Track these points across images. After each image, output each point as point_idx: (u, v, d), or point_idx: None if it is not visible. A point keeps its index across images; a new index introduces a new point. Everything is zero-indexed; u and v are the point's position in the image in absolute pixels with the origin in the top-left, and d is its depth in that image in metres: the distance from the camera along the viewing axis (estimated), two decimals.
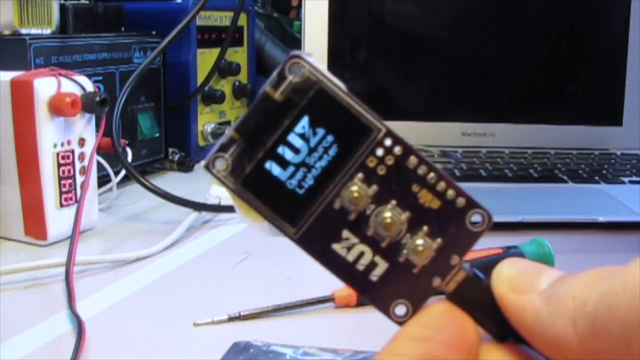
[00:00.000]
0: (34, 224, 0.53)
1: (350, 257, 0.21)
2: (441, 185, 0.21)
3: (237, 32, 0.83)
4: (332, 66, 0.78)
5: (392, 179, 0.21)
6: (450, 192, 0.21)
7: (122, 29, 0.72)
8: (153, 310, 0.43)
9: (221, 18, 0.81)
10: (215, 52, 0.79)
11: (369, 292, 0.21)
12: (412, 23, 0.81)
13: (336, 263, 0.21)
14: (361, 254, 0.21)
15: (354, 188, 0.20)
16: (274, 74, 0.20)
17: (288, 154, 0.20)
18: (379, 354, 0.21)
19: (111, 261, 0.50)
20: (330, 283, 0.43)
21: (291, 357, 0.35)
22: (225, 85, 0.83)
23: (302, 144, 0.20)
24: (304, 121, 0.20)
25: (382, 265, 0.21)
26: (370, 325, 0.41)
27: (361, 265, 0.21)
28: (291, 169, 0.20)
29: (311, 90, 0.20)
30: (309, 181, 0.20)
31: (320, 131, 0.20)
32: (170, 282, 0.47)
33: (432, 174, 0.21)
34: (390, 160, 0.20)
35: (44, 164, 0.51)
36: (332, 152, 0.20)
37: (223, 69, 0.81)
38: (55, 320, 0.41)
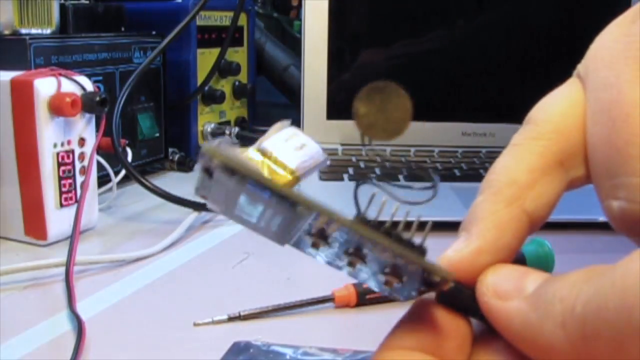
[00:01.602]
0: (34, 224, 0.53)
1: (338, 264, 0.22)
2: (389, 254, 0.20)
3: (237, 32, 0.83)
4: (332, 66, 0.78)
5: (343, 237, 0.20)
6: (400, 260, 0.20)
7: (122, 29, 0.72)
8: (153, 310, 0.43)
9: (221, 18, 0.81)
10: (215, 52, 0.79)
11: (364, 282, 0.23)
12: (412, 23, 0.81)
13: (329, 264, 0.22)
14: (344, 265, 0.22)
15: (311, 241, 0.21)
16: (201, 162, 0.20)
17: (247, 210, 0.21)
18: (377, 350, 0.21)
19: (111, 261, 0.50)
20: (330, 283, 0.43)
21: (291, 357, 0.35)
22: (225, 85, 0.83)
23: (253, 209, 0.21)
24: (243, 197, 0.20)
25: (365, 271, 0.22)
26: (370, 325, 0.41)
27: (349, 269, 0.22)
28: (255, 218, 0.21)
29: (232, 178, 0.19)
30: (274, 228, 0.21)
31: (260, 206, 0.20)
32: (170, 282, 0.47)
33: (378, 246, 0.20)
34: (333, 228, 0.20)
35: (44, 164, 0.51)
36: (280, 218, 0.20)
37: (223, 68, 0.81)
38: (55, 320, 0.41)
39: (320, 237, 0.21)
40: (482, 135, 0.80)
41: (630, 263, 0.17)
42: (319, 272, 0.50)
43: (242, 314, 0.41)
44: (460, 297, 0.21)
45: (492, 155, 0.76)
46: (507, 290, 0.20)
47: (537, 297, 0.19)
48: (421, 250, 0.20)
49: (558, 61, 0.80)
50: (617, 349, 0.17)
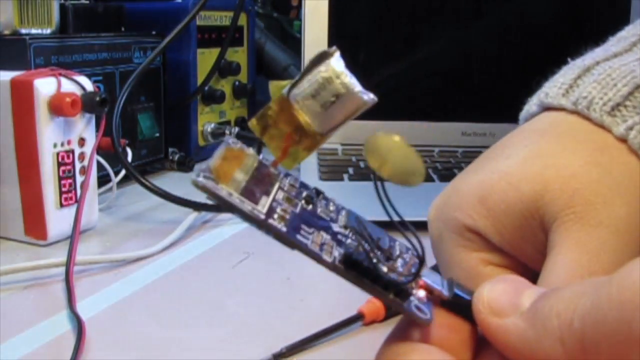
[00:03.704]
0: (34, 224, 0.53)
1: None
2: None
3: (237, 32, 0.83)
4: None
5: None
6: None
7: (122, 29, 0.72)
8: (153, 310, 0.43)
9: (221, 18, 0.81)
10: (215, 52, 0.79)
11: None
12: (412, 23, 0.81)
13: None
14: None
15: None
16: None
17: None
18: (384, 343, 0.22)
19: (111, 261, 0.50)
20: (330, 283, 0.43)
21: None
22: (225, 85, 0.83)
23: None
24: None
25: None
26: None
27: None
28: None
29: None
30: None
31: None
32: (170, 282, 0.47)
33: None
34: None
35: (44, 164, 0.51)
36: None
37: (223, 68, 0.81)
38: (55, 320, 0.41)
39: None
40: (482, 135, 0.80)
41: (627, 274, 0.17)
42: (319, 272, 0.50)
43: (284, 350, 0.37)
44: (459, 307, 0.22)
45: None
46: (503, 307, 0.20)
47: (533, 313, 0.19)
48: (404, 294, 0.21)
49: (558, 61, 0.80)
50: None
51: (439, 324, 0.21)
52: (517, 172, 0.28)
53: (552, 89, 0.32)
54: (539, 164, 0.28)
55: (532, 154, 0.28)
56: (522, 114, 0.34)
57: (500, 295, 0.20)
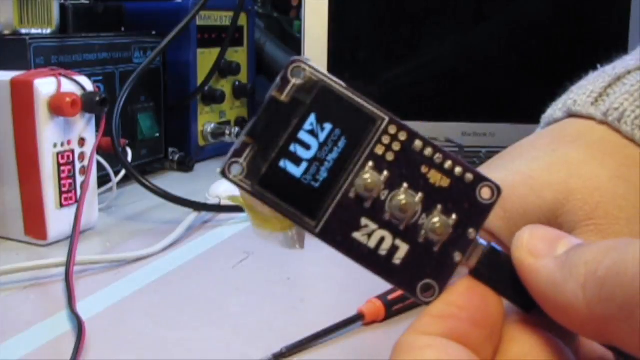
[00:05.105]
0: (34, 224, 0.53)
1: (372, 244, 0.22)
2: (448, 164, 0.21)
3: (237, 32, 0.83)
4: (332, 66, 0.78)
5: (401, 163, 0.21)
6: (458, 170, 0.21)
7: (122, 29, 0.72)
8: (153, 310, 0.43)
9: (221, 18, 0.81)
10: (215, 52, 0.79)
11: (394, 276, 0.22)
12: (412, 23, 0.81)
13: (359, 252, 0.22)
14: (382, 239, 0.21)
15: (366, 176, 0.21)
16: (278, 78, 0.21)
17: (300, 151, 0.21)
18: (404, 333, 0.21)
19: (111, 261, 0.50)
20: (331, 283, 0.43)
21: None
22: (225, 85, 0.83)
23: (312, 140, 0.21)
24: (312, 118, 0.21)
25: (403, 248, 0.22)
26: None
27: (383, 251, 0.22)
28: (304, 165, 0.21)
29: (314, 89, 0.21)
30: (323, 174, 0.21)
31: (328, 126, 0.21)
32: (170, 282, 0.47)
33: (438, 155, 0.21)
34: (397, 146, 0.21)
35: (44, 164, 0.51)
36: (341, 144, 0.21)
37: (223, 68, 0.81)
38: (55, 320, 0.41)
39: (377, 167, 0.21)
40: (482, 135, 0.80)
41: None
42: (319, 272, 0.50)
43: (284, 350, 0.37)
44: (495, 261, 0.22)
45: (492, 155, 0.76)
46: (540, 249, 0.21)
47: (565, 259, 0.20)
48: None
49: (558, 61, 0.81)
50: (628, 313, 0.18)
51: (463, 319, 0.21)
52: (541, 176, 0.28)
53: (581, 96, 0.31)
54: (565, 171, 0.28)
55: (559, 161, 0.28)
56: (545, 118, 0.34)
57: (539, 239, 0.21)
